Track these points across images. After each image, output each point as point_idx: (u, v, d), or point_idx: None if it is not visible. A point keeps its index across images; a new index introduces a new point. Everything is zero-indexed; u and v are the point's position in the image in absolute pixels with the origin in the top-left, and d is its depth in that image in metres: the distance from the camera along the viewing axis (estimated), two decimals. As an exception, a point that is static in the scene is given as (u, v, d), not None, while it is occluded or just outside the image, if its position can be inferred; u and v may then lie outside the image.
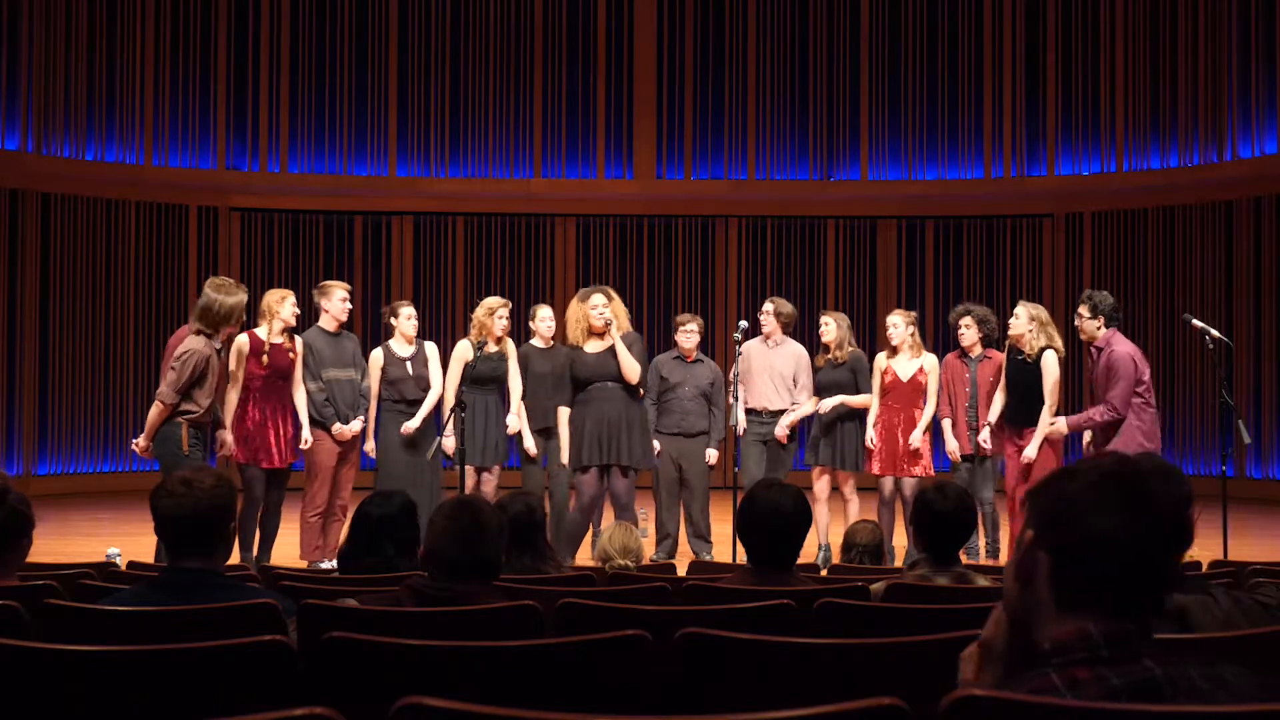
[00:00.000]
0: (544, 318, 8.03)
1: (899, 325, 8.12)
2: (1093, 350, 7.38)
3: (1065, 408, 8.07)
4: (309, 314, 8.01)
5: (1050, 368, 7.55)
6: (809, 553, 7.34)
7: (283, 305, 7.40)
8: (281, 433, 7.31)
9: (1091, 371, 7.46)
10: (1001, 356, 7.93)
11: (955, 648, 1.92)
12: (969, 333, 8.21)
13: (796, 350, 8.34)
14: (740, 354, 8.25)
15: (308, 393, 7.47)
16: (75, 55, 13.04)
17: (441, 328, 13.81)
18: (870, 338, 12.73)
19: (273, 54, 13.95)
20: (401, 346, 7.83)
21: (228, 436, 7.16)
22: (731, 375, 8.30)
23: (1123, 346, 7.24)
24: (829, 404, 8.12)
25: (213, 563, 3.13)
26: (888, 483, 8.05)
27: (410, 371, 7.74)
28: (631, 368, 7.53)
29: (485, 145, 14.23)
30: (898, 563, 7.25)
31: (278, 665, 2.50)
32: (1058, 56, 13.90)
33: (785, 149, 14.30)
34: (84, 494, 12.58)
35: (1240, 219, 13.04)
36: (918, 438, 7.93)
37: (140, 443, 6.90)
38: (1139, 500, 1.65)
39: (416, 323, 7.91)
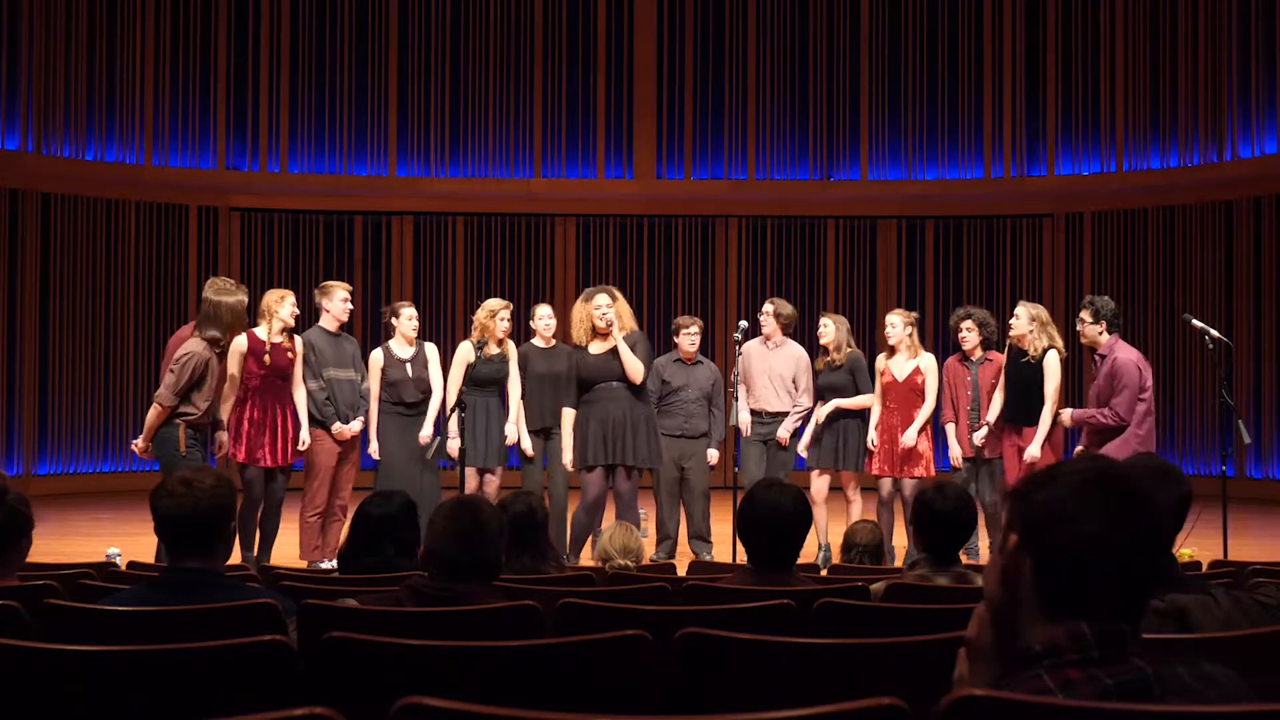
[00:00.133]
0: (543, 317, 8.03)
1: (897, 326, 8.12)
2: (1095, 357, 7.39)
3: (1064, 407, 8.07)
4: (309, 314, 8.01)
5: (1053, 369, 7.57)
6: (809, 553, 7.34)
7: (282, 305, 7.41)
8: (281, 433, 7.32)
9: (1093, 378, 7.47)
10: (1002, 358, 7.92)
11: (955, 648, 1.92)
12: (970, 336, 8.18)
13: (796, 352, 8.34)
14: (740, 354, 8.26)
15: (309, 391, 7.47)
16: (75, 55, 13.04)
17: (441, 328, 13.81)
18: (870, 338, 12.73)
19: (273, 54, 13.95)
20: (402, 348, 7.83)
21: (225, 437, 7.17)
22: (733, 376, 8.31)
23: (1126, 354, 7.25)
24: (823, 412, 8.14)
25: (213, 563, 3.14)
26: (886, 483, 8.05)
27: (410, 374, 7.74)
28: (634, 368, 7.52)
29: (485, 145, 14.23)
30: (898, 563, 7.24)
31: (278, 665, 2.51)
32: (1058, 56, 13.90)
33: (785, 149, 14.30)
34: (84, 494, 12.58)
35: (1240, 219, 13.04)
36: (911, 437, 7.91)
37: (139, 444, 6.93)
38: (1121, 505, 1.65)
39: (417, 323, 7.91)
